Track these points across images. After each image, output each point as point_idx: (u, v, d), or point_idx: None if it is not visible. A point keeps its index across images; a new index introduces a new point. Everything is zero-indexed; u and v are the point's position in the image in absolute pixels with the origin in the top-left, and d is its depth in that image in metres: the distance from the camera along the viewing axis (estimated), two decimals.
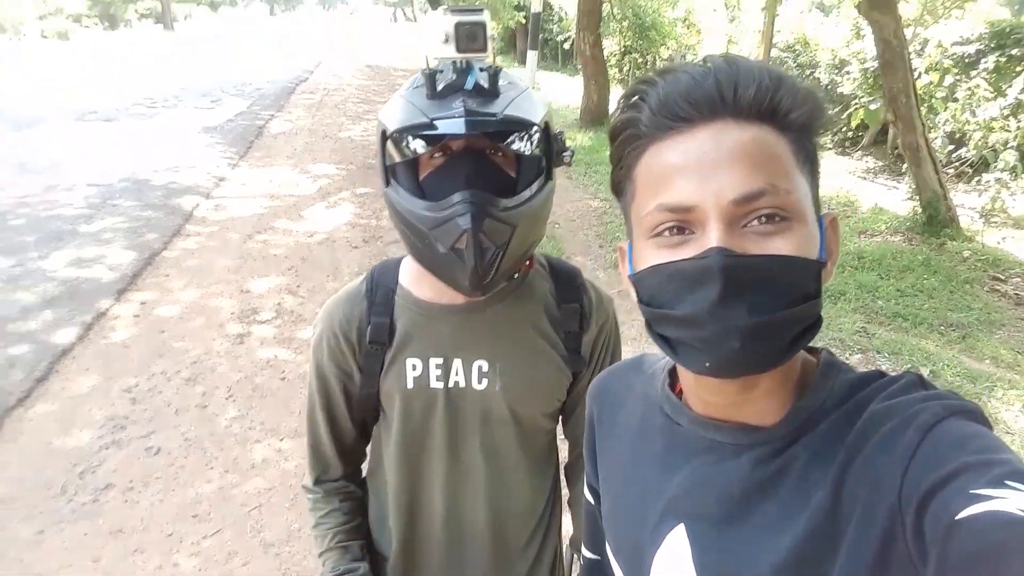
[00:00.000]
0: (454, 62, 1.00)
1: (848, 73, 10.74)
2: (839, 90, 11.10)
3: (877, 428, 0.58)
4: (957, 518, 0.47)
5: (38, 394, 3.62)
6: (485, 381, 1.12)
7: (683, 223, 0.61)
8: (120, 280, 5.02)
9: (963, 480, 0.49)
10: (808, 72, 11.96)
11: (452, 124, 0.92)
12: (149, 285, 5.02)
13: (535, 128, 1.01)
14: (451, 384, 1.12)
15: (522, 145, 1.01)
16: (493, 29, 1.01)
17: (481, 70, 1.00)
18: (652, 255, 0.63)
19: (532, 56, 5.39)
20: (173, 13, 44.29)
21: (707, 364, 0.61)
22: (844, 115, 10.93)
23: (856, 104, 10.21)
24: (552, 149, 1.05)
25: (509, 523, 1.22)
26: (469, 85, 0.97)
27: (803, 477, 0.62)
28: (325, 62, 20.60)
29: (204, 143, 9.80)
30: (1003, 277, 5.46)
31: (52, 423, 3.37)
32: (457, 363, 1.11)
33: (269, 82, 16.26)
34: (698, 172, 0.59)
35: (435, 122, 0.93)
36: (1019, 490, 0.46)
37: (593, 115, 11.38)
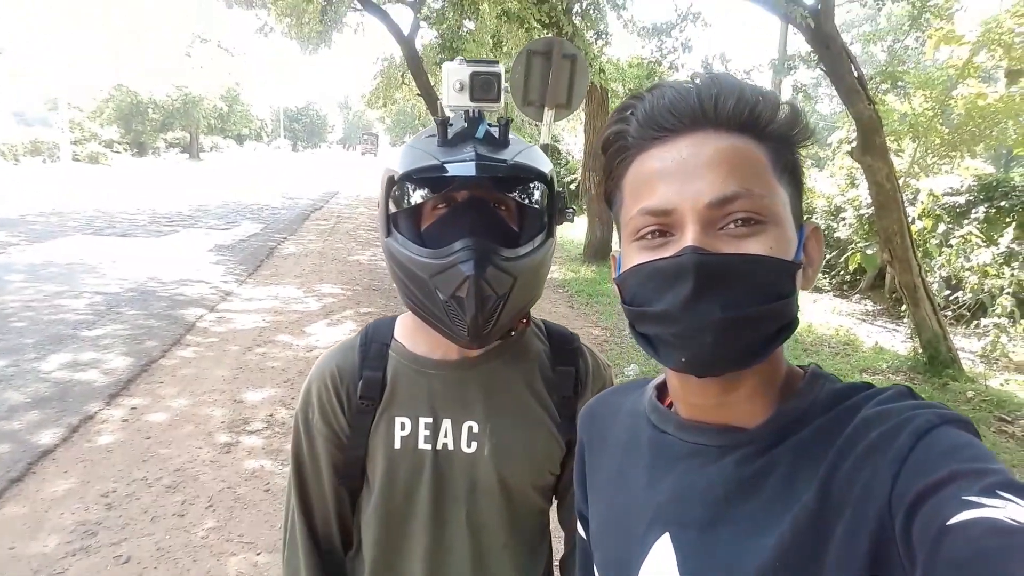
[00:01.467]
0: (466, 111, 1.01)
1: (844, 219, 11.12)
2: (835, 235, 11.45)
3: (868, 432, 0.58)
4: (948, 524, 0.47)
5: (10, 495, 3.45)
6: (474, 444, 1.06)
7: (663, 226, 0.64)
8: (113, 385, 4.94)
9: (955, 487, 0.49)
10: (805, 217, 12.36)
11: (463, 167, 0.93)
12: (142, 391, 4.94)
13: (542, 180, 1.02)
14: (439, 446, 1.06)
15: (527, 196, 1.02)
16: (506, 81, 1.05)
17: (491, 125, 1.02)
18: (635, 257, 0.66)
19: None
20: (200, 144, 46.79)
21: (683, 359, 0.63)
22: (841, 259, 11.22)
23: (853, 248, 10.50)
24: (555, 206, 1.06)
25: None
26: (480, 134, 0.99)
27: (788, 478, 0.62)
28: (341, 192, 21.48)
29: (214, 260, 10.04)
30: (1009, 419, 5.34)
31: (20, 526, 3.19)
32: (446, 424, 1.06)
33: (284, 209, 16.88)
34: (678, 177, 0.63)
35: (446, 165, 0.93)
36: (1011, 500, 0.46)
37: (596, 250, 11.74)
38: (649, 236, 0.65)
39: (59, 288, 7.58)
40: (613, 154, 0.70)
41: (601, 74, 10.76)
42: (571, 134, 22.04)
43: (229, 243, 11.66)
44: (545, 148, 5.68)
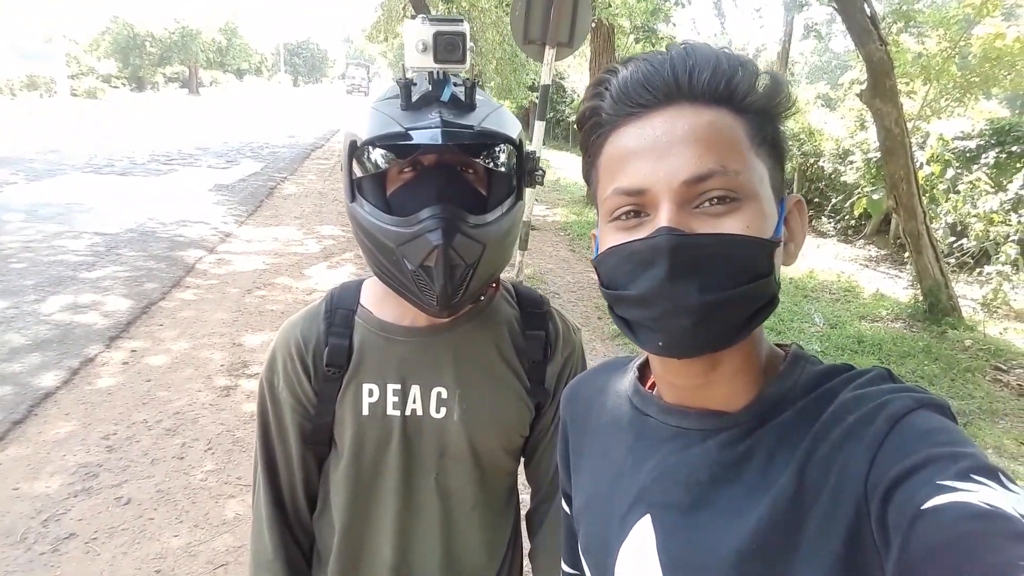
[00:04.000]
0: (430, 73, 0.97)
1: (851, 163, 10.94)
2: (842, 179, 11.29)
3: (845, 416, 0.58)
4: (923, 508, 0.47)
5: (13, 436, 3.52)
6: (443, 410, 1.06)
7: (638, 206, 0.62)
8: (113, 327, 4.98)
9: (930, 471, 0.49)
10: (812, 160, 12.20)
11: (428, 135, 0.89)
12: (142, 334, 4.97)
13: (510, 144, 0.98)
14: (408, 412, 1.06)
15: (495, 161, 0.98)
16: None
17: (456, 84, 0.98)
18: (611, 237, 0.65)
19: (539, 127, 5.47)
20: (199, 79, 45.95)
21: (661, 343, 0.62)
22: (847, 204, 11.09)
23: (859, 193, 10.36)
24: (524, 168, 1.03)
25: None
26: (445, 97, 0.95)
27: (768, 462, 0.62)
28: (343, 130, 21.16)
29: (214, 200, 9.97)
30: (1005, 367, 5.37)
31: (23, 467, 3.26)
32: (415, 390, 1.06)
33: (285, 147, 16.68)
34: (651, 155, 0.61)
35: (410, 132, 0.90)
36: (985, 484, 0.47)
37: None
38: (624, 216, 0.63)
39: (58, 228, 7.56)
40: (588, 131, 0.68)
41: (607, 9, 10.43)
42: (577, 71, 21.55)
43: (229, 182, 11.55)
44: (546, 88, 5.54)
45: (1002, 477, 0.48)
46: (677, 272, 0.58)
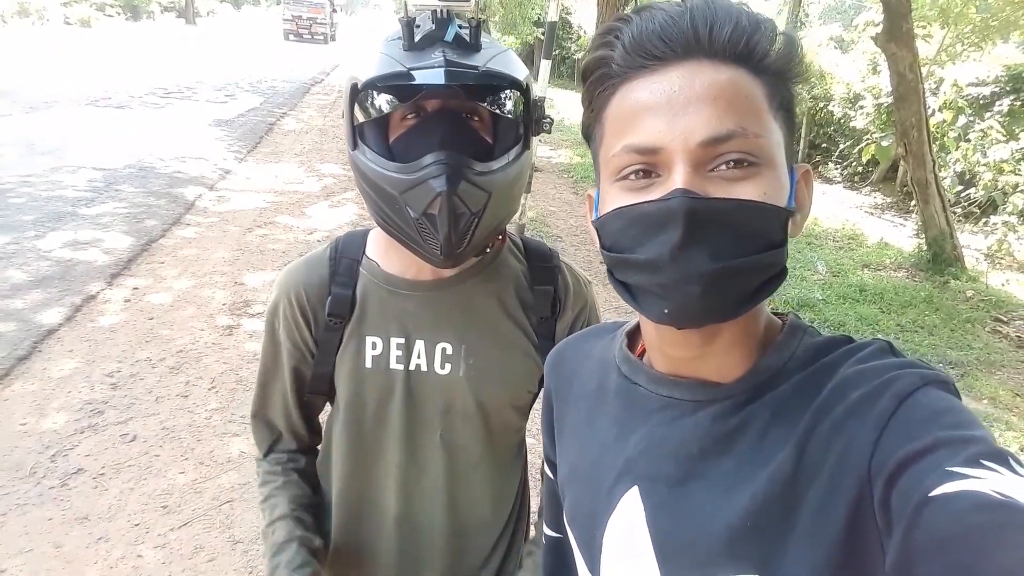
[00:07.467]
0: (434, 12, 0.93)
1: (862, 108, 10.73)
2: (852, 124, 11.10)
3: (848, 393, 0.56)
4: (931, 495, 0.46)
5: (18, 373, 3.55)
6: (448, 366, 1.05)
7: (649, 165, 0.59)
8: (114, 264, 4.97)
9: (938, 455, 0.48)
10: (822, 104, 11.96)
11: (431, 75, 0.86)
12: (143, 271, 4.97)
13: (517, 87, 0.95)
14: (412, 367, 1.05)
15: (501, 106, 0.95)
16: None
17: (461, 26, 0.94)
18: (617, 198, 0.61)
19: (545, 66, 5.33)
20: (196, 8, 44.62)
21: (666, 311, 0.59)
22: (855, 150, 10.93)
23: (868, 139, 10.20)
24: (531, 115, 1.00)
25: (469, 531, 1.14)
26: (449, 37, 0.92)
27: (763, 435, 0.60)
28: (342, 64, 20.70)
29: (213, 136, 9.80)
30: (1006, 319, 5.39)
31: (29, 403, 3.31)
32: (419, 345, 1.05)
33: (284, 81, 16.33)
34: (667, 112, 0.57)
35: (412, 72, 0.87)
36: (995, 471, 0.45)
37: None
38: (633, 176, 0.60)
39: (56, 163, 7.44)
40: (595, 83, 0.63)
41: None
42: (584, 6, 20.92)
43: (228, 117, 11.32)
44: (552, 26, 5.37)
45: (1012, 462, 0.47)
46: (691, 237, 0.55)
